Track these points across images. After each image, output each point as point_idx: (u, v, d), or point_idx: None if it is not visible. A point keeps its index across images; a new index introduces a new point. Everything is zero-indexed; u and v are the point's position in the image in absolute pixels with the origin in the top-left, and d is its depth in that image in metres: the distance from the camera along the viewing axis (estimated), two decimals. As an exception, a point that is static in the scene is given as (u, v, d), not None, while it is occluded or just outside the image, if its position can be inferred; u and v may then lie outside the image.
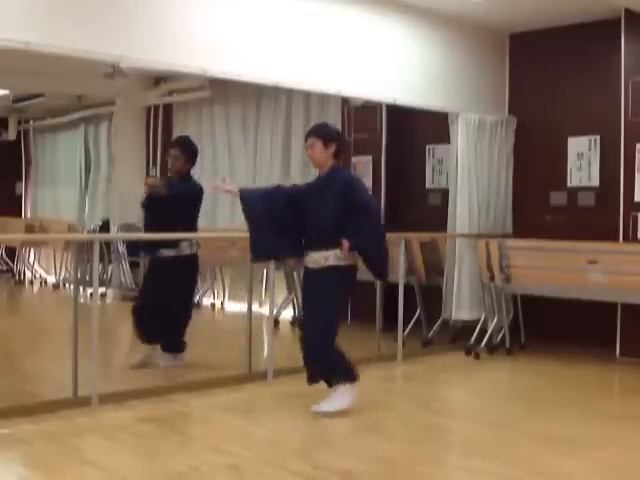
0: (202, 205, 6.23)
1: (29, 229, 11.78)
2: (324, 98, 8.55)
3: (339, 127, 8.66)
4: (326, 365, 5.00)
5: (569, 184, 7.43)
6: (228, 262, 9.08)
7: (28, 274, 12.52)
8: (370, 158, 8.51)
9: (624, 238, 6.84)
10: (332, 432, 4.70)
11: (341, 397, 4.97)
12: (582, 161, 7.34)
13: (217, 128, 10.15)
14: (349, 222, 4.85)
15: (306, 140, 5.10)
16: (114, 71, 6.36)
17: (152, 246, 6.02)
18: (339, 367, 5.00)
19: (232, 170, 9.73)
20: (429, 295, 7.56)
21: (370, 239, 4.95)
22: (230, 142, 10.00)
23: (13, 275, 12.56)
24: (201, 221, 6.30)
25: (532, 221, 7.60)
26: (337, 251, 4.89)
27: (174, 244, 5.90)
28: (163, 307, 5.90)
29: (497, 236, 7.30)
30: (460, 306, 7.26)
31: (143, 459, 4.10)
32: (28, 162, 13.79)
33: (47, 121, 13.06)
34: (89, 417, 4.81)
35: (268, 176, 9.34)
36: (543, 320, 7.30)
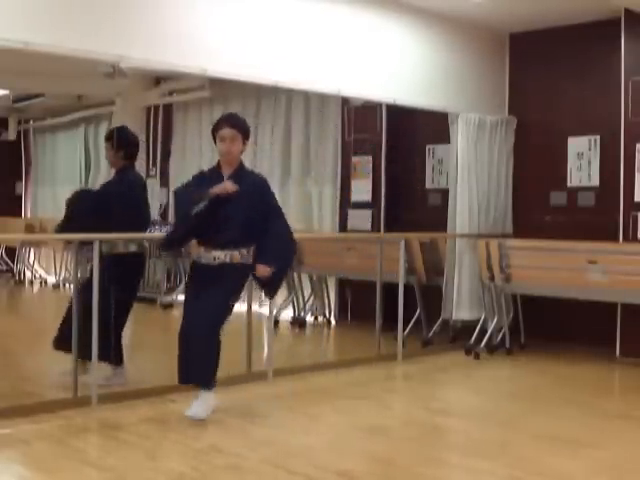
0: None
1: (29, 229, 11.76)
2: (324, 98, 8.55)
3: (339, 127, 8.71)
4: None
5: (569, 184, 7.43)
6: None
7: (28, 274, 12.52)
8: (370, 158, 8.51)
9: (624, 238, 6.83)
10: (332, 432, 4.70)
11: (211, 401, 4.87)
12: (582, 161, 7.34)
13: (217, 128, 10.14)
14: (269, 241, 4.86)
15: (221, 128, 4.85)
16: (114, 71, 6.34)
17: None
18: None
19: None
20: (429, 295, 7.56)
21: (286, 261, 5.08)
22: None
23: (13, 275, 12.55)
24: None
25: (532, 221, 7.60)
26: (243, 251, 4.84)
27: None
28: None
29: (497, 236, 7.30)
30: (460, 306, 7.26)
31: (143, 459, 4.10)
32: (28, 162, 13.79)
33: (47, 121, 13.05)
34: (89, 417, 4.81)
35: (268, 176, 9.30)
36: (543, 320, 7.30)
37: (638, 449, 4.46)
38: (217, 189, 4.77)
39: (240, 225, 4.83)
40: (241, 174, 4.96)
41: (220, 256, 4.83)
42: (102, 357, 5.29)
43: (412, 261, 7.43)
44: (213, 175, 4.96)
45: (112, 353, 5.48)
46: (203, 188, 4.81)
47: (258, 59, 5.78)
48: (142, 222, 5.70)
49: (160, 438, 4.49)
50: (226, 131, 4.85)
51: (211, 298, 4.80)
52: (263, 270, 4.87)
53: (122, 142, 5.84)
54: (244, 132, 4.93)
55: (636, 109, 6.80)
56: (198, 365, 4.82)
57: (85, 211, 5.65)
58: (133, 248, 5.64)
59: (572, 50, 7.41)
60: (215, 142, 4.94)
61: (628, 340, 6.82)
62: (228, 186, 4.79)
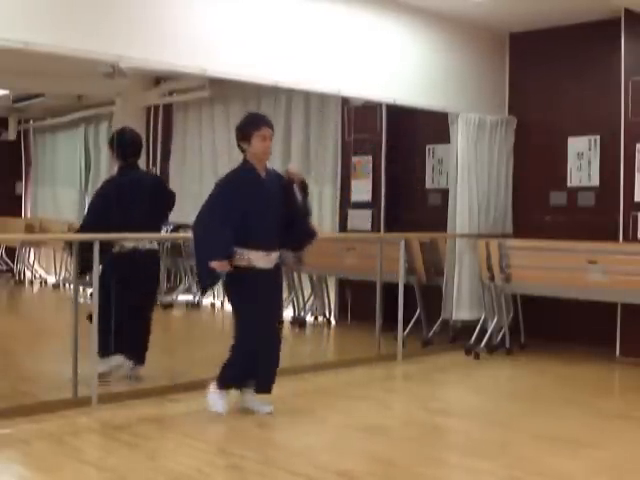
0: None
1: (29, 229, 11.76)
2: (324, 98, 8.55)
3: (339, 127, 8.70)
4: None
5: (569, 184, 7.43)
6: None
7: (28, 274, 12.51)
8: (370, 158, 8.51)
9: (624, 238, 6.83)
10: (332, 432, 4.70)
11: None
12: (582, 161, 7.34)
13: (217, 128, 10.14)
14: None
15: (262, 128, 4.86)
16: (114, 71, 6.34)
17: None
18: None
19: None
20: (429, 295, 7.56)
21: None
22: (230, 142, 9.95)
23: (13, 275, 12.55)
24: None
25: (532, 221, 7.60)
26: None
27: None
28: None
29: (497, 236, 7.30)
30: (460, 306, 7.26)
31: (143, 459, 4.10)
32: (28, 162, 13.78)
33: (47, 121, 13.04)
34: (89, 417, 4.81)
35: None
36: (543, 320, 7.30)
37: (638, 449, 4.46)
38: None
39: (279, 223, 4.94)
40: (270, 173, 5.03)
41: (274, 258, 4.93)
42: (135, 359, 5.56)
43: (412, 261, 7.43)
44: (248, 176, 4.90)
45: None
46: (245, 194, 4.81)
47: (258, 59, 5.78)
48: (134, 223, 5.53)
49: (160, 438, 4.49)
50: (267, 131, 4.90)
51: (277, 303, 5.09)
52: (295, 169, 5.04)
53: (116, 145, 5.84)
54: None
55: (636, 109, 6.80)
56: (275, 371, 5.06)
57: (88, 216, 5.81)
58: (117, 248, 5.59)
59: (572, 50, 7.41)
60: (249, 140, 4.86)
61: (628, 340, 6.82)
62: None
